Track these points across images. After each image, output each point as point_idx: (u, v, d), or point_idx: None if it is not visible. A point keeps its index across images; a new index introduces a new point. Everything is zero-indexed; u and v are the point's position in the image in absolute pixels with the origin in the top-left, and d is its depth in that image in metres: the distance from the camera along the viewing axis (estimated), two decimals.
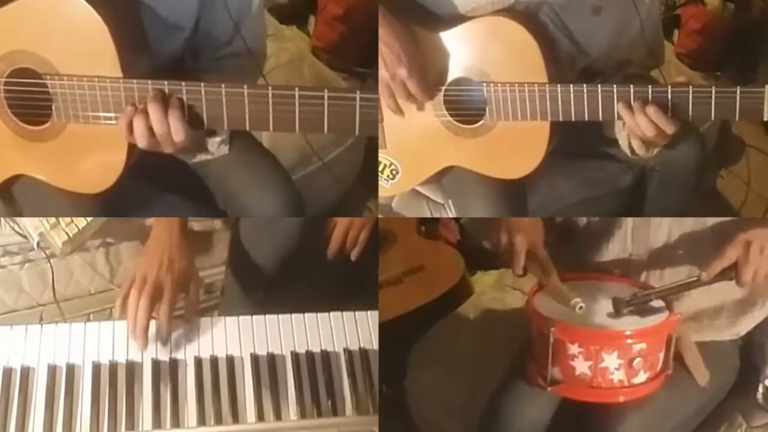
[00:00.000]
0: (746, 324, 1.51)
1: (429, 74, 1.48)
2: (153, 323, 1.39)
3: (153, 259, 1.42)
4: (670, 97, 1.34)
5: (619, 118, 1.38)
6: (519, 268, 1.42)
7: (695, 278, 1.33)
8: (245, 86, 1.22)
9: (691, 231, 1.44)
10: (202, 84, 1.23)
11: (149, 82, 1.23)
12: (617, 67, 1.58)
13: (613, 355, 1.28)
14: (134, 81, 1.24)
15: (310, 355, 1.42)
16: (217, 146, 1.41)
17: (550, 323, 1.30)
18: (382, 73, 1.44)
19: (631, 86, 1.36)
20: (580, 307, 1.35)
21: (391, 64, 1.43)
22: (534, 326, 1.37)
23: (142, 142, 1.25)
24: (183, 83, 1.23)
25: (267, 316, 1.46)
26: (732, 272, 1.31)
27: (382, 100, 1.49)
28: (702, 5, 2.39)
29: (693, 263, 1.43)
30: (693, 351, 1.41)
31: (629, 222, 1.48)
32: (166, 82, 1.23)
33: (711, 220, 1.43)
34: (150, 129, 1.23)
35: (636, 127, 1.36)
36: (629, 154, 1.50)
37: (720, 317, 1.49)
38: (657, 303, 1.36)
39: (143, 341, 1.37)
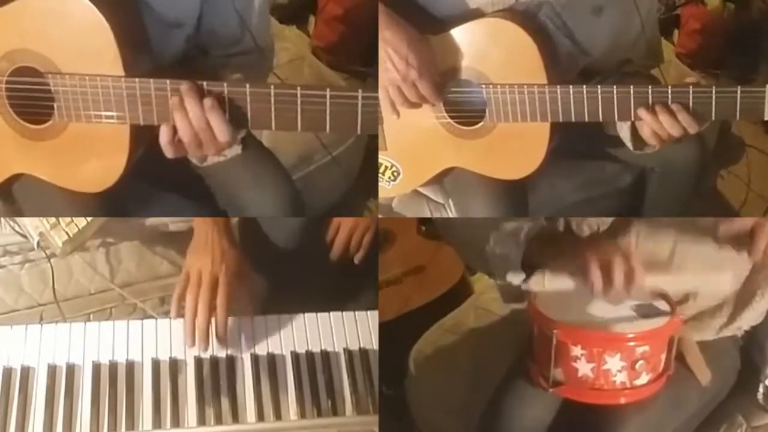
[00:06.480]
0: (748, 318, 1.50)
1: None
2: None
3: (204, 254, 1.40)
4: (670, 97, 1.35)
5: (639, 119, 1.37)
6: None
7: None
8: (247, 85, 1.22)
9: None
10: (205, 83, 1.22)
11: (151, 80, 1.23)
12: (617, 66, 1.58)
13: (616, 358, 1.27)
14: (136, 80, 1.23)
15: (310, 355, 1.42)
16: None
17: (552, 324, 1.30)
18: (393, 76, 1.42)
19: (631, 87, 1.36)
20: None
21: (400, 66, 1.41)
22: (536, 327, 1.36)
23: (186, 142, 1.24)
24: (184, 82, 1.23)
25: (267, 316, 1.46)
26: (746, 239, 1.28)
27: (385, 103, 1.46)
28: (702, 5, 2.39)
29: None
30: (695, 350, 1.41)
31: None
32: (168, 81, 1.23)
33: (710, 221, 1.43)
34: (194, 134, 1.23)
35: (660, 128, 1.36)
36: (632, 149, 1.49)
37: (721, 314, 1.48)
38: (660, 305, 1.35)
39: (205, 341, 1.36)
